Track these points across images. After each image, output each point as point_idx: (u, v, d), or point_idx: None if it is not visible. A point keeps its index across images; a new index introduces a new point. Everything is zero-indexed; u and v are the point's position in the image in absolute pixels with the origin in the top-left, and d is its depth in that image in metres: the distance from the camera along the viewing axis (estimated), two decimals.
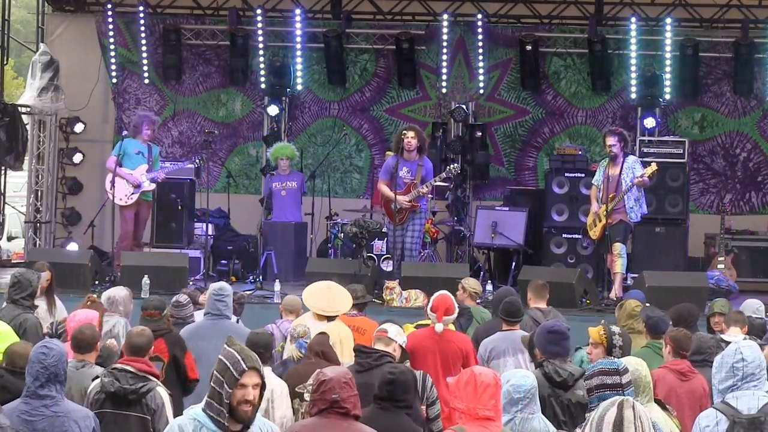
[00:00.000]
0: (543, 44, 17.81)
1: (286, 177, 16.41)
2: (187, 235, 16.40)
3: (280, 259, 15.49)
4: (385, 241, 14.99)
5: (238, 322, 9.81)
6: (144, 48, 18.30)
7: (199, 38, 18.50)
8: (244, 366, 4.86)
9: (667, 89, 17.17)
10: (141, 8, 18.16)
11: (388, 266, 14.78)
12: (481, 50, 17.71)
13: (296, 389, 7.66)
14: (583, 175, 15.96)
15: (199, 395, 7.99)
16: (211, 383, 4.97)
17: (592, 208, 14.20)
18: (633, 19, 17.21)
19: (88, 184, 18.45)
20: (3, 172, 18.30)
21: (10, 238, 19.63)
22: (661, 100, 17.22)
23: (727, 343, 8.73)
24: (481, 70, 17.77)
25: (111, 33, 18.28)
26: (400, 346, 7.98)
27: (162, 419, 6.92)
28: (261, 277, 14.88)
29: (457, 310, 9.14)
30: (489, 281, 14.99)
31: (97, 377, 7.06)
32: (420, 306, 12.68)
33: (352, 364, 7.66)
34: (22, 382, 6.27)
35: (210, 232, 15.92)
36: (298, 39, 17.94)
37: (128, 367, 7.00)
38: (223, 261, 16.03)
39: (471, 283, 11.03)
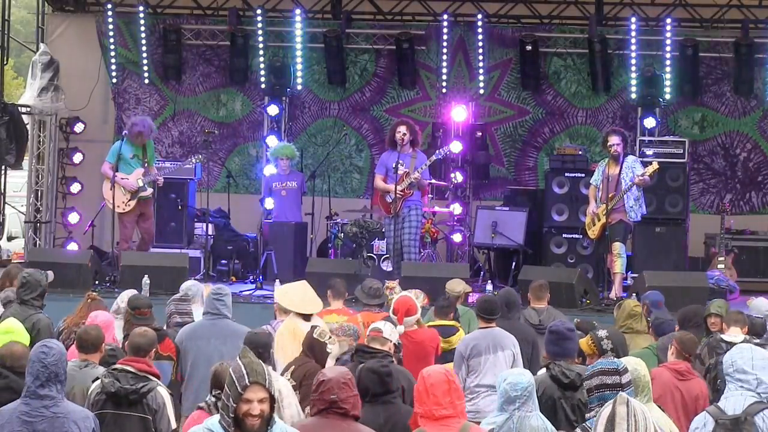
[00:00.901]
0: (543, 44, 17.81)
1: (286, 177, 16.41)
2: (187, 235, 16.40)
3: (280, 259, 15.48)
4: (385, 241, 15.00)
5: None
6: (144, 48, 18.30)
7: (199, 38, 18.49)
8: (247, 381, 4.85)
9: (667, 89, 17.16)
10: (141, 8, 18.16)
11: (388, 266, 14.78)
12: (481, 50, 17.71)
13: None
14: (583, 175, 15.95)
15: (197, 394, 8.05)
16: (222, 396, 4.99)
17: (589, 208, 14.19)
18: (633, 19, 17.21)
19: (88, 184, 18.45)
20: (3, 171, 18.31)
21: (10, 238, 19.65)
22: (661, 100, 17.22)
23: (727, 343, 8.77)
24: (481, 70, 17.77)
25: (111, 33, 18.28)
26: (395, 345, 8.01)
27: (163, 419, 6.92)
28: (261, 277, 14.88)
29: (419, 311, 9.26)
30: (489, 281, 15.00)
31: (97, 378, 7.06)
32: (420, 306, 12.66)
33: (354, 364, 7.65)
34: (22, 381, 6.27)
35: (210, 232, 15.91)
36: (298, 39, 17.94)
37: (128, 368, 7.00)
38: (223, 261, 16.03)
39: (451, 285, 11.06)
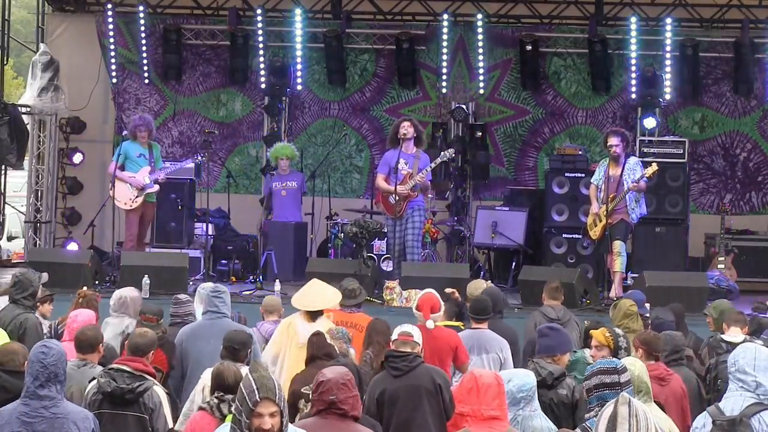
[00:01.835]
0: (543, 44, 17.81)
1: (286, 177, 16.41)
2: (187, 235, 16.39)
3: (280, 259, 15.48)
4: (385, 240, 14.99)
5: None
6: (144, 48, 18.30)
7: (199, 38, 18.49)
8: (257, 397, 4.87)
9: (667, 89, 17.17)
10: (141, 8, 18.16)
11: (388, 266, 14.77)
12: (481, 50, 17.71)
13: (302, 390, 7.65)
14: (583, 175, 15.95)
15: (196, 394, 8.02)
16: (233, 410, 5.00)
17: (591, 209, 14.17)
18: (633, 19, 17.21)
19: (88, 184, 18.45)
20: (3, 171, 18.31)
21: (10, 238, 19.65)
22: (661, 100, 17.22)
23: (728, 343, 8.77)
24: (481, 70, 17.77)
25: (111, 33, 18.28)
26: (422, 348, 7.99)
27: (160, 418, 6.93)
28: (261, 277, 14.88)
29: (443, 308, 9.23)
30: (489, 281, 14.97)
31: (93, 378, 7.06)
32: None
33: (384, 372, 7.60)
34: (21, 381, 6.27)
35: (210, 232, 15.90)
36: (298, 39, 17.93)
37: (125, 367, 7.01)
38: (223, 261, 16.02)
39: (474, 286, 11.02)
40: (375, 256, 14.93)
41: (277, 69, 17.90)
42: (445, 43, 17.74)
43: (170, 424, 6.99)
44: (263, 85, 18.04)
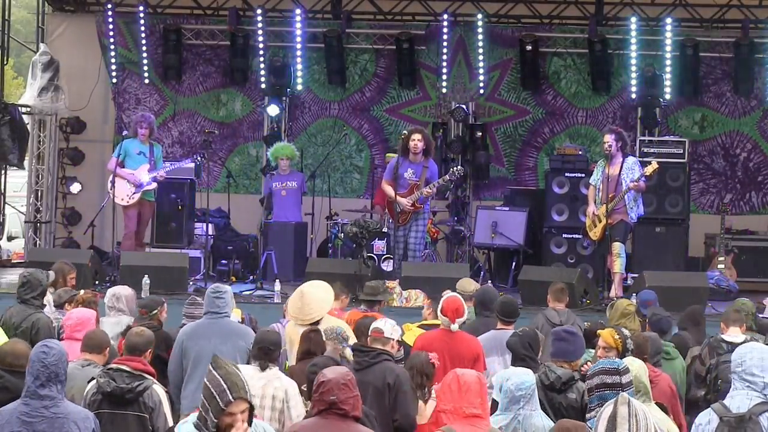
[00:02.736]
0: (543, 44, 17.81)
1: (286, 177, 16.41)
2: (187, 235, 16.39)
3: (280, 259, 15.48)
4: (385, 241, 14.98)
5: None
6: (144, 48, 18.30)
7: (199, 38, 18.49)
8: (230, 397, 4.82)
9: (667, 89, 17.17)
10: (141, 8, 18.16)
11: (388, 266, 14.78)
12: (481, 50, 17.71)
13: (301, 388, 7.67)
14: (583, 175, 15.94)
15: (196, 394, 8.02)
16: (199, 407, 4.95)
17: (589, 209, 14.16)
18: (633, 19, 17.21)
19: (88, 184, 18.45)
20: (3, 171, 18.31)
21: (10, 238, 19.63)
22: (661, 100, 17.22)
23: (728, 343, 8.76)
24: (481, 70, 17.77)
25: (111, 33, 18.28)
26: (398, 342, 7.99)
27: (160, 417, 6.93)
28: (261, 277, 14.88)
29: (466, 312, 9.10)
30: (489, 281, 14.99)
31: (92, 378, 7.06)
32: (420, 306, 12.65)
33: (351, 363, 7.68)
34: (23, 381, 6.27)
35: (210, 232, 15.90)
36: (298, 39, 17.93)
37: (124, 367, 7.01)
38: (223, 261, 16.03)
39: (463, 284, 11.00)
40: (375, 256, 14.94)
41: (277, 69, 17.89)
42: (445, 43, 17.74)
43: (170, 423, 7.00)
44: (263, 85, 18.04)
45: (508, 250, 16.05)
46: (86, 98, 18.37)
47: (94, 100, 18.51)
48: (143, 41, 18.27)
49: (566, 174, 16.18)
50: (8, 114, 17.53)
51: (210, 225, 15.87)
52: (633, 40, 17.17)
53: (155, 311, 9.26)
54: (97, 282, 13.95)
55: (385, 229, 14.80)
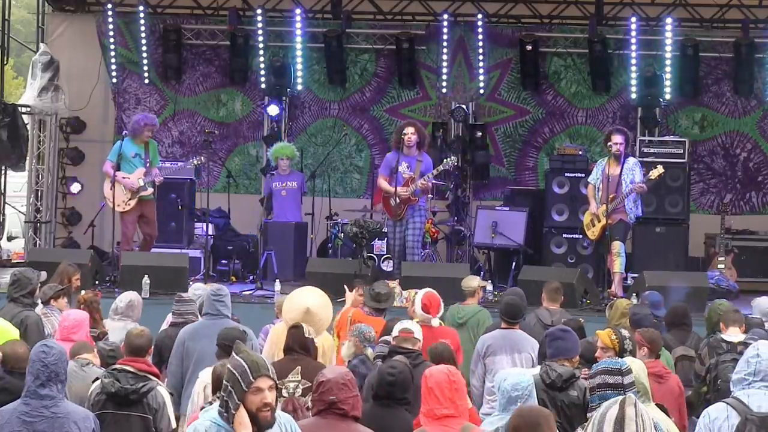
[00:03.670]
0: (543, 44, 17.81)
1: (286, 177, 16.41)
2: (187, 235, 16.40)
3: (280, 259, 15.48)
4: (385, 240, 14.99)
5: None
6: (144, 48, 18.30)
7: (199, 38, 18.49)
8: (251, 377, 4.86)
9: (667, 89, 17.17)
10: (141, 8, 18.16)
11: (388, 266, 14.78)
12: (481, 50, 17.71)
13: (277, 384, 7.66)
14: (583, 175, 15.92)
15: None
16: (221, 392, 4.97)
17: (590, 208, 14.17)
18: (633, 19, 17.21)
19: (88, 184, 18.45)
20: (3, 172, 18.30)
21: (10, 238, 19.62)
22: (661, 100, 17.22)
23: (728, 342, 8.76)
24: (481, 70, 17.77)
25: (111, 33, 18.28)
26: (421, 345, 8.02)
27: (164, 418, 6.94)
28: (261, 277, 14.88)
29: (442, 307, 9.35)
30: (489, 281, 14.98)
31: (97, 378, 7.06)
32: None
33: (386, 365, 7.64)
34: (23, 383, 6.27)
35: (210, 232, 15.91)
36: (298, 39, 17.93)
37: (128, 368, 7.01)
38: (223, 261, 16.03)
39: (467, 281, 11.02)
40: (375, 256, 14.93)
41: (277, 69, 17.89)
42: (445, 43, 17.74)
43: (173, 425, 7.01)
44: (263, 85, 18.04)
45: (508, 250, 16.04)
46: (86, 98, 18.37)
47: (94, 100, 18.50)
48: (143, 41, 18.27)
49: (566, 174, 16.18)
50: (8, 116, 17.51)
51: (210, 225, 15.88)
52: (633, 40, 17.17)
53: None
54: (97, 282, 13.96)
55: (385, 229, 14.80)
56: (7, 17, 18.52)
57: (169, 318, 9.67)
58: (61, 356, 6.03)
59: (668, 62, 17.13)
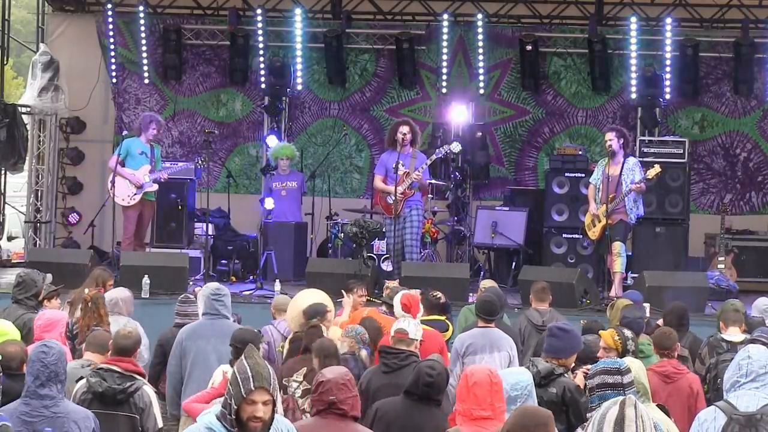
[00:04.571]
0: (543, 44, 17.81)
1: (286, 177, 16.42)
2: (187, 235, 16.40)
3: (280, 259, 15.49)
4: (385, 241, 14.99)
5: None
6: (144, 48, 18.30)
7: (199, 38, 18.50)
8: (252, 385, 4.85)
9: (667, 89, 17.17)
10: (141, 8, 18.16)
11: (388, 266, 14.78)
12: (481, 50, 17.71)
13: (283, 382, 7.69)
14: (583, 175, 15.94)
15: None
16: (225, 394, 4.98)
17: (590, 209, 14.18)
18: (633, 19, 17.21)
19: (88, 184, 18.46)
20: (3, 172, 18.30)
21: (10, 238, 19.61)
22: (661, 100, 17.23)
23: (728, 342, 8.76)
24: (481, 70, 17.77)
25: (111, 33, 18.27)
26: (420, 342, 8.02)
27: (150, 418, 6.94)
28: (261, 277, 14.88)
29: (422, 307, 9.50)
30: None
31: (81, 378, 7.06)
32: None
33: (378, 365, 7.67)
34: (18, 384, 6.26)
35: (210, 232, 15.91)
36: (298, 39, 17.93)
37: (114, 367, 7.02)
38: (223, 261, 16.03)
39: (485, 284, 11.06)
40: (375, 256, 14.93)
41: (277, 69, 17.89)
42: (445, 43, 17.73)
43: (160, 424, 7.01)
44: (263, 85, 18.04)
45: (508, 250, 16.05)
46: (86, 98, 18.37)
47: (94, 100, 18.50)
48: (143, 41, 18.27)
49: (566, 174, 16.18)
50: (8, 116, 17.51)
51: (210, 225, 15.88)
52: (633, 40, 17.17)
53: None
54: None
55: (384, 230, 14.80)
56: (7, 17, 18.52)
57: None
58: (61, 356, 6.04)
59: (668, 62, 17.13)
